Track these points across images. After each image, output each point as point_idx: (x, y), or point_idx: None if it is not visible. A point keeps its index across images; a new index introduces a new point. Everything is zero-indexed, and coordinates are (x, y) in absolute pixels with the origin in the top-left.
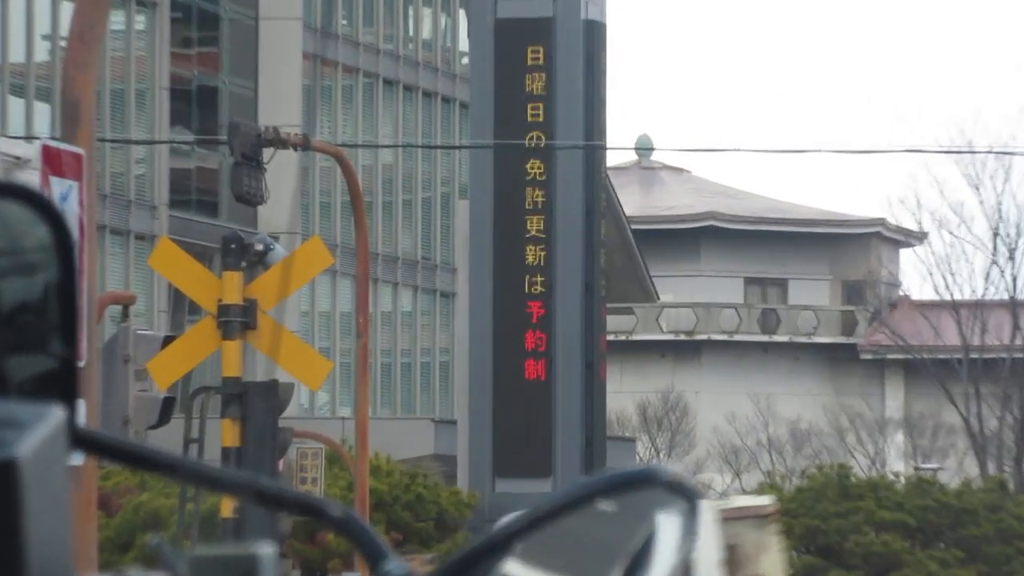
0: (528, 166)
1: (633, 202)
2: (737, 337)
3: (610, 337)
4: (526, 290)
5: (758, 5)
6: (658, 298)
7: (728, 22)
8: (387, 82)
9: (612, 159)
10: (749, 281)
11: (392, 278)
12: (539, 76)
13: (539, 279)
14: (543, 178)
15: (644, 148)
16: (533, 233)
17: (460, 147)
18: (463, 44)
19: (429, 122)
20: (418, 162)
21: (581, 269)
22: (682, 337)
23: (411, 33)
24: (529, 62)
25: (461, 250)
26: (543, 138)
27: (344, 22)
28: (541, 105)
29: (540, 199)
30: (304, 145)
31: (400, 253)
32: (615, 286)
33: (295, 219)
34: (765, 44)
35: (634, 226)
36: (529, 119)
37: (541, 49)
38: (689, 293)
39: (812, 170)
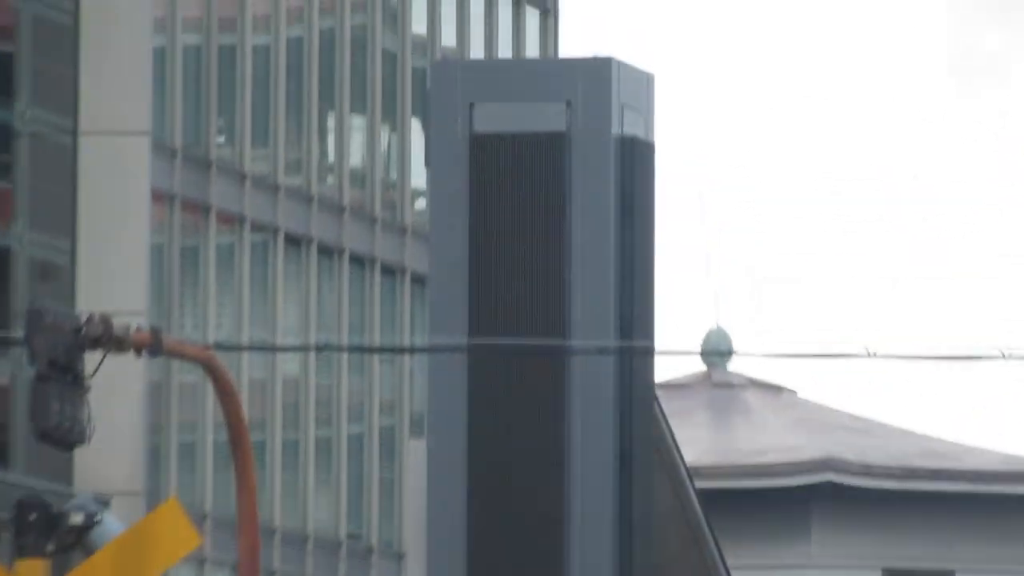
0: (530, 371)
1: (700, 442)
2: None
3: None
4: None
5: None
6: None
7: (849, 147)
8: (291, 240)
9: (666, 370)
10: (889, 572)
11: (298, 571)
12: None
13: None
14: (545, 392)
15: (717, 353)
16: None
17: (412, 351)
18: (417, 175)
19: (359, 307)
20: (341, 374)
21: (612, 558)
22: None
23: (330, 158)
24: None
25: (413, 525)
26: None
27: (220, 139)
28: None
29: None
30: (153, 346)
31: (312, 529)
32: None
33: (137, 470)
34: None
35: (702, 482)
36: None
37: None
38: None
39: (992, 389)
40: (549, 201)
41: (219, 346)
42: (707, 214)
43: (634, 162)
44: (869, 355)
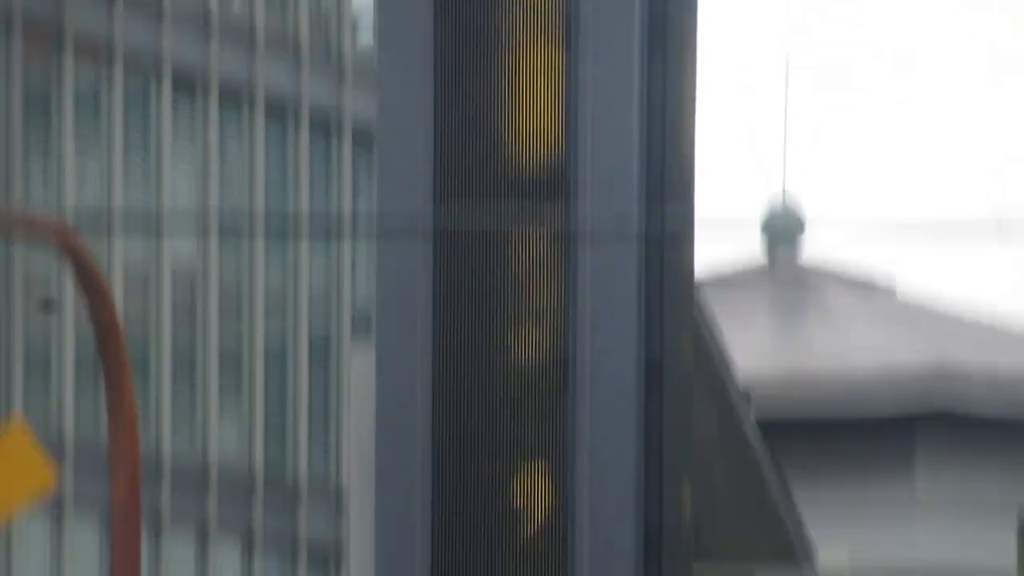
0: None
1: (760, 355)
2: None
3: None
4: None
5: None
6: (813, 561)
7: None
8: (183, 81)
9: (712, 258)
10: None
11: (197, 517)
12: None
13: (551, 529)
14: (550, 283)
15: (783, 230)
16: (524, 434)
17: (355, 229)
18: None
19: (280, 170)
20: (256, 261)
21: (634, 509)
22: None
23: None
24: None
25: (356, 459)
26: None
27: None
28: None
29: (550, 347)
30: None
31: (215, 463)
32: (717, 534)
33: None
34: None
35: (762, 410)
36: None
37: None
38: (887, 547)
39: None
40: (547, 18)
41: (83, 219)
42: (787, 55)
43: None
44: (1000, 231)
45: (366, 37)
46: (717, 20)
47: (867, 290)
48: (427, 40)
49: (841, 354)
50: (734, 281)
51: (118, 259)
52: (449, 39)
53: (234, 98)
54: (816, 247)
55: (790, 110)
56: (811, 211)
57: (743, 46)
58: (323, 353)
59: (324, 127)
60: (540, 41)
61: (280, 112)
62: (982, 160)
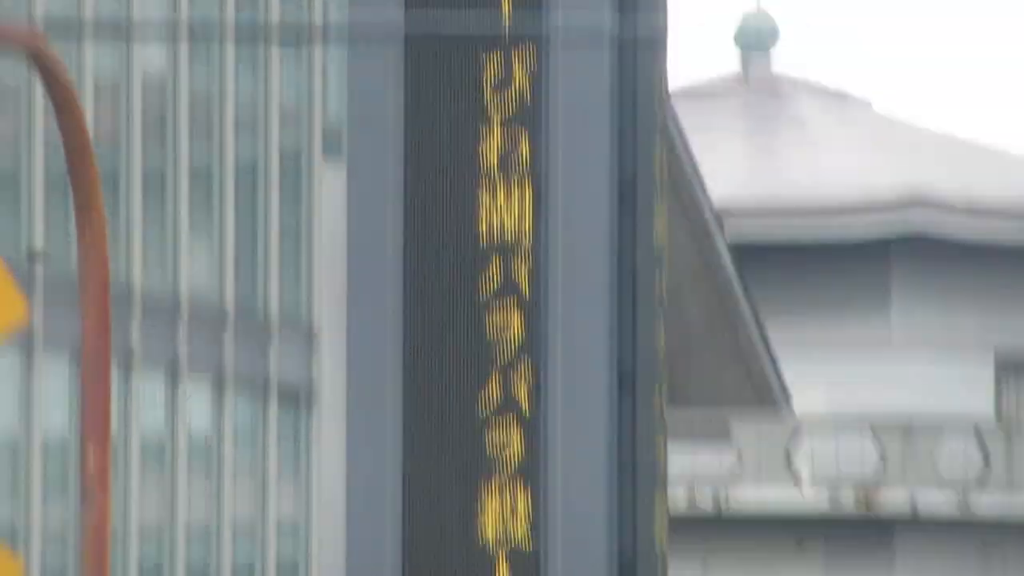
0: (487, 68)
1: (734, 171)
2: (981, 509)
3: (678, 489)
4: (486, 402)
5: None
6: (788, 403)
7: None
8: None
9: (686, 67)
10: (1003, 361)
11: (167, 351)
12: None
13: (520, 365)
14: (524, 91)
15: (755, 38)
16: (496, 238)
17: (325, 36)
18: None
19: None
20: (226, 72)
21: (608, 335)
22: (847, 510)
23: None
24: None
25: (329, 287)
26: (523, 21)
27: None
28: None
29: (522, 154)
30: None
31: (185, 292)
32: (691, 373)
33: None
34: None
35: (735, 231)
36: None
37: None
38: (864, 386)
39: None
40: None
41: (52, 26)
42: None
43: None
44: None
45: None
46: None
47: (841, 100)
48: None
49: (815, 176)
50: (707, 92)
51: (88, 72)
52: None
53: None
54: (789, 56)
55: None
56: (784, 20)
57: None
58: (295, 171)
59: None
60: None
61: None
62: None
